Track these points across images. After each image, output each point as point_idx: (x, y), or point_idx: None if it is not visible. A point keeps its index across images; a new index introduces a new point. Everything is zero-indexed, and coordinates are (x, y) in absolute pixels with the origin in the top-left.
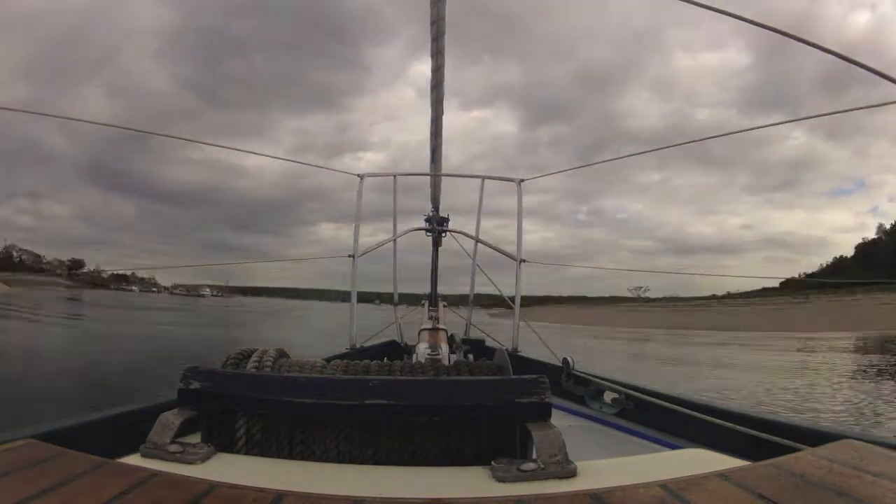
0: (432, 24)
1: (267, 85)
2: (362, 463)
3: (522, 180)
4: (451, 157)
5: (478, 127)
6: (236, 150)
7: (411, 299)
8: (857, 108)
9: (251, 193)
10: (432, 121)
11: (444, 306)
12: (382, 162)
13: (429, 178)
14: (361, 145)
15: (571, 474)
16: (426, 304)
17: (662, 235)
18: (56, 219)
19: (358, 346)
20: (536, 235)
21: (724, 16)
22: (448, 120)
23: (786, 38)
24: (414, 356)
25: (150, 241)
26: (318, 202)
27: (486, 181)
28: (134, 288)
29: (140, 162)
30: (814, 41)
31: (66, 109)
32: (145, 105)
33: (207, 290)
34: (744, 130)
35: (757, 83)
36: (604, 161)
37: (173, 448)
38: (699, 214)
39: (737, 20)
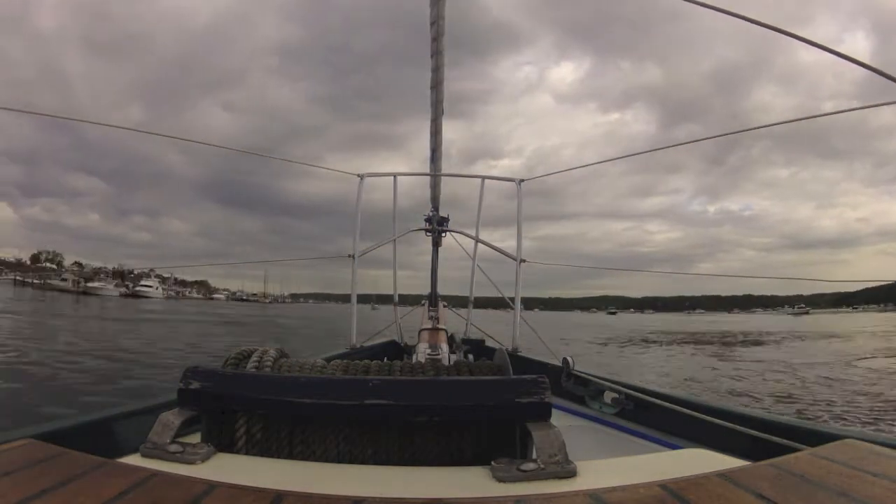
0: (432, 24)
1: (394, 97)
2: (362, 463)
3: (522, 180)
4: (586, 158)
5: (617, 128)
6: (238, 151)
7: (412, 300)
8: (857, 108)
9: (381, 204)
10: (432, 121)
11: (445, 306)
12: (518, 168)
13: (429, 178)
14: (496, 153)
15: (571, 474)
16: (426, 304)
17: (784, 232)
18: (174, 235)
19: (358, 346)
20: (663, 237)
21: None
22: (585, 123)
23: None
24: (414, 356)
25: (273, 252)
26: (451, 209)
27: (487, 181)
28: (150, 287)
29: (263, 177)
30: (811, 39)
31: (185, 130)
32: (274, 120)
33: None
34: (752, 129)
35: (870, 73)
36: (603, 161)
37: (173, 448)
38: (820, 208)
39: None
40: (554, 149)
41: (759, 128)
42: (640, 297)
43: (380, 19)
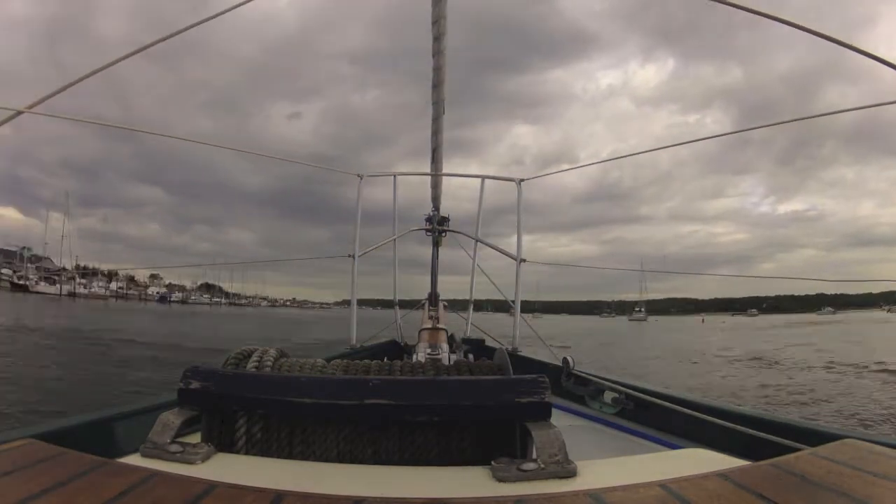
0: (433, 23)
1: (469, 101)
2: (362, 463)
3: (522, 180)
4: (661, 162)
5: (695, 129)
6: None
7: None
8: (858, 108)
9: (450, 210)
10: (433, 120)
11: (445, 306)
12: (594, 174)
13: (429, 177)
14: (573, 158)
15: (571, 474)
16: (426, 304)
17: (846, 231)
18: (237, 244)
19: (358, 346)
20: (729, 238)
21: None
22: (662, 125)
23: None
24: (414, 356)
25: (339, 261)
26: (530, 215)
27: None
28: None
29: (331, 185)
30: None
31: (256, 139)
32: (350, 128)
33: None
34: (746, 130)
35: None
36: (602, 161)
37: (173, 448)
38: (882, 206)
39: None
40: (629, 150)
41: (761, 127)
42: (707, 298)
43: (456, 21)
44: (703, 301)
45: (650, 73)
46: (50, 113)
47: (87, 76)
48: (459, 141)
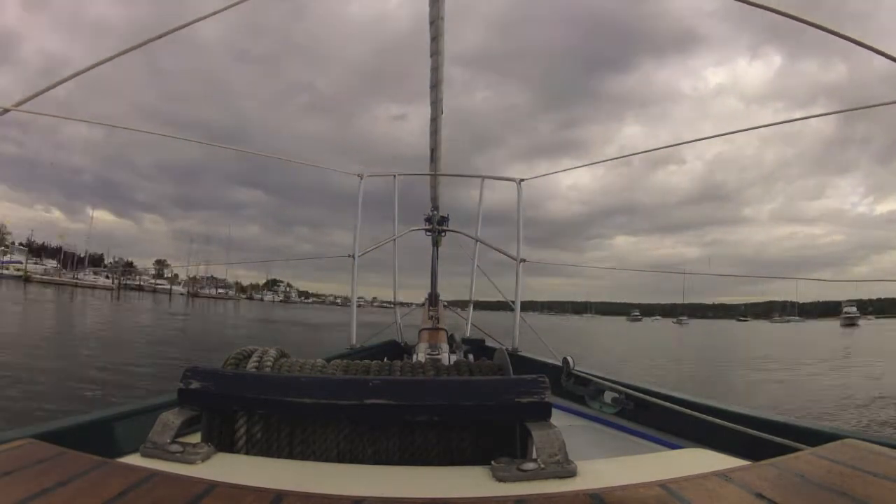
0: (431, 23)
1: (576, 101)
2: (362, 463)
3: (522, 180)
4: (766, 160)
5: (799, 127)
6: (238, 150)
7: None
8: (859, 108)
9: (559, 213)
10: (432, 120)
11: (445, 306)
12: (700, 171)
13: (428, 177)
14: (678, 158)
15: (571, 474)
16: (426, 304)
17: None
18: (339, 245)
19: (358, 346)
20: (826, 240)
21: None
22: (769, 122)
23: None
24: (414, 356)
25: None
26: (626, 215)
27: (486, 180)
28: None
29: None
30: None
31: (362, 139)
32: (460, 130)
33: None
34: (744, 130)
35: None
36: (602, 161)
37: (173, 448)
38: None
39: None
40: (737, 149)
41: (757, 128)
42: (807, 301)
43: (559, 18)
44: (802, 304)
45: (757, 71)
46: (37, 111)
47: (80, 73)
48: (568, 142)
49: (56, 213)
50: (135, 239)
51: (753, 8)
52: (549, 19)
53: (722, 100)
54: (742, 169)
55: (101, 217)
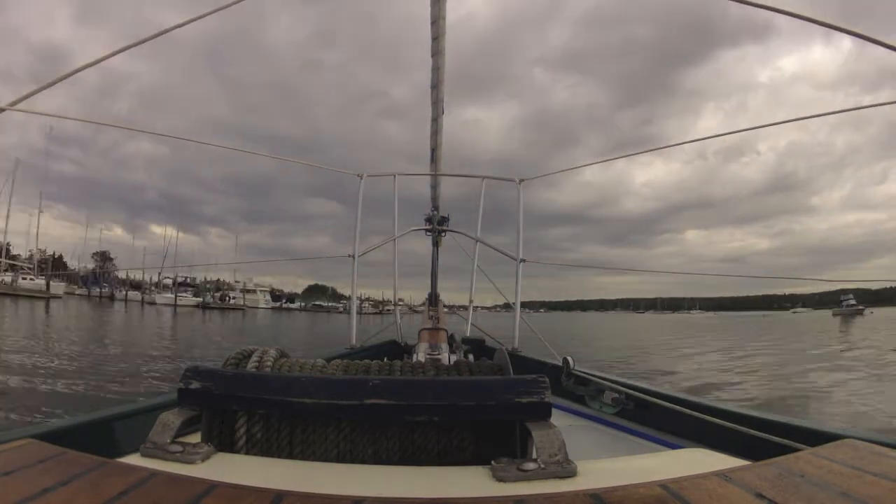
0: (432, 23)
1: (657, 97)
2: (362, 463)
3: (522, 180)
4: (836, 147)
5: (869, 113)
6: (238, 150)
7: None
8: (859, 108)
9: (633, 209)
10: (432, 120)
11: (445, 306)
12: (771, 162)
13: (429, 177)
14: (753, 149)
15: (571, 474)
16: (426, 305)
17: None
18: (413, 254)
19: (358, 346)
20: (891, 224)
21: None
22: (840, 107)
23: None
24: (414, 356)
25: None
26: (701, 209)
27: (486, 180)
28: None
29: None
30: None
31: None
32: (543, 129)
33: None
34: (743, 130)
35: None
36: (602, 161)
37: (173, 448)
38: None
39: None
40: (811, 135)
41: (759, 127)
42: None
43: (647, 19)
44: (874, 291)
45: (828, 57)
46: (33, 110)
47: (79, 70)
48: (645, 138)
49: (117, 231)
50: (202, 253)
51: None
52: (629, 17)
53: (796, 88)
54: (813, 157)
55: (166, 233)
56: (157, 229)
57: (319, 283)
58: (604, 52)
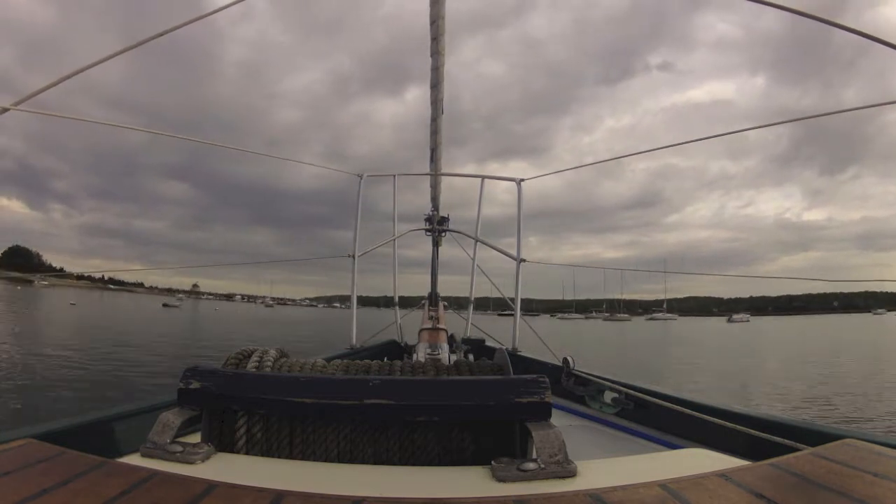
0: (432, 23)
1: None
2: (362, 462)
3: (522, 180)
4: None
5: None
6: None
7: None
8: (859, 108)
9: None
10: (432, 120)
11: (445, 306)
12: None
13: (429, 177)
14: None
15: (571, 474)
16: (426, 304)
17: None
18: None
19: (358, 345)
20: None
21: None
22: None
23: None
24: (414, 356)
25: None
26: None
27: (486, 180)
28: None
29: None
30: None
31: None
32: None
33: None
34: (744, 130)
35: None
36: (602, 161)
37: (173, 448)
38: None
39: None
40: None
41: (760, 127)
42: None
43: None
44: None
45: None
46: (34, 110)
47: (80, 71)
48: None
49: None
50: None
51: None
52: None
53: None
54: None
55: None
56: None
57: (22, 245)
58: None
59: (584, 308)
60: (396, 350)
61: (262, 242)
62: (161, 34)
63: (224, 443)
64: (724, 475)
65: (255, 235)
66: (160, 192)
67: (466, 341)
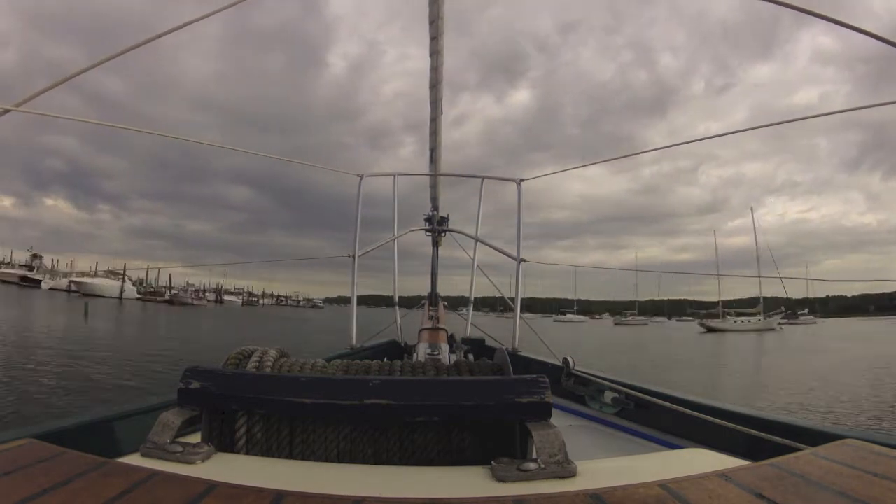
0: (431, 23)
1: None
2: (362, 462)
3: (522, 180)
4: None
5: None
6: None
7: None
8: (858, 108)
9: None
10: (431, 120)
11: (445, 306)
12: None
13: (428, 177)
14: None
15: (572, 474)
16: (426, 305)
17: None
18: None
19: (358, 346)
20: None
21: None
22: None
23: None
24: (414, 356)
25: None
26: (626, 222)
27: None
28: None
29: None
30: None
31: None
32: None
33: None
34: (744, 130)
35: None
36: (603, 161)
37: (173, 448)
38: None
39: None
40: None
41: (760, 127)
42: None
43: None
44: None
45: None
46: (36, 111)
47: (80, 73)
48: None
49: (5, 202)
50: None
51: None
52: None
53: None
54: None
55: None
56: (50, 201)
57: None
58: None
59: (646, 310)
60: (396, 350)
61: (314, 247)
62: (161, 35)
63: (224, 443)
64: (724, 475)
65: (307, 240)
66: (223, 196)
67: (466, 341)
